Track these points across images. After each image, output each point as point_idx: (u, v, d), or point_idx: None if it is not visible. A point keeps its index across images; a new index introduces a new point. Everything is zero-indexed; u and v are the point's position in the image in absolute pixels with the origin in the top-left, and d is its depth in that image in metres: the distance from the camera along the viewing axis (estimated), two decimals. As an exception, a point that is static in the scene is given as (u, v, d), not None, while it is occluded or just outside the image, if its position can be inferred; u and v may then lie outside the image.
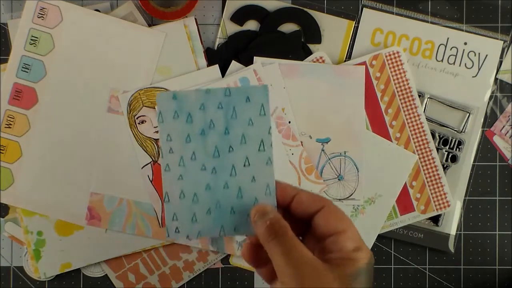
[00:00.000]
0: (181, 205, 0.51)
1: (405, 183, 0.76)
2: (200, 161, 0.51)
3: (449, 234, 0.77)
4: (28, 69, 0.75)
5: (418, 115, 0.76)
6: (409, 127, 0.76)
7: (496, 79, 0.77)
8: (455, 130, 0.77)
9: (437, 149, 0.76)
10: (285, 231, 0.48)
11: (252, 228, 0.50)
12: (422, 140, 0.76)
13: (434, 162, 0.76)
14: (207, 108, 0.52)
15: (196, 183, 0.51)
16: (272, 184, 0.51)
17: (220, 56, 0.76)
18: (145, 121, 0.75)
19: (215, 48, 0.77)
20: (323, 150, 0.76)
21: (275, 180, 0.51)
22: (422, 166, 0.76)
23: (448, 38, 0.77)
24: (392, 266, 0.77)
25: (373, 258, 0.49)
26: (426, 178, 0.76)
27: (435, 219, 0.77)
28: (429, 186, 0.76)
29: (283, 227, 0.48)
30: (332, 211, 0.49)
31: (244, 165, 0.51)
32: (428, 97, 0.76)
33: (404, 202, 0.76)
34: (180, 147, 0.51)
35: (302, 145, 0.75)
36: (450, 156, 0.77)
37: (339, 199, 0.75)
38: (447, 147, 0.77)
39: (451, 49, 0.77)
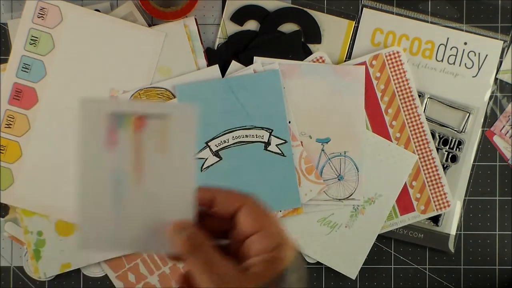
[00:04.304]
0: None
1: (405, 183, 0.76)
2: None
3: (449, 234, 0.77)
4: (28, 69, 0.75)
5: (418, 115, 0.76)
6: (409, 127, 0.76)
7: (496, 79, 0.77)
8: (455, 130, 0.77)
9: (437, 149, 0.76)
10: (202, 245, 0.45)
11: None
12: (422, 140, 0.76)
13: (434, 162, 0.76)
14: None
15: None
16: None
17: (220, 56, 0.76)
18: (145, 121, 0.75)
19: (215, 48, 0.77)
20: (323, 150, 0.76)
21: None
22: (422, 166, 0.76)
23: (448, 38, 0.77)
24: (392, 266, 0.77)
25: (298, 253, 0.46)
26: (426, 178, 0.76)
27: (435, 219, 0.77)
28: (429, 186, 0.76)
29: (200, 242, 0.45)
30: (252, 209, 0.46)
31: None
32: (428, 97, 0.76)
33: (404, 202, 0.76)
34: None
35: (302, 145, 0.75)
36: (450, 156, 0.77)
37: (339, 199, 0.75)
38: (447, 147, 0.77)
39: (451, 49, 0.77)
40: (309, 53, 0.77)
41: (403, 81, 0.76)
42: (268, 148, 0.74)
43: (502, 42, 0.77)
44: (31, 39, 0.74)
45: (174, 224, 0.46)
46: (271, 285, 0.44)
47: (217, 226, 0.48)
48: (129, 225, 0.47)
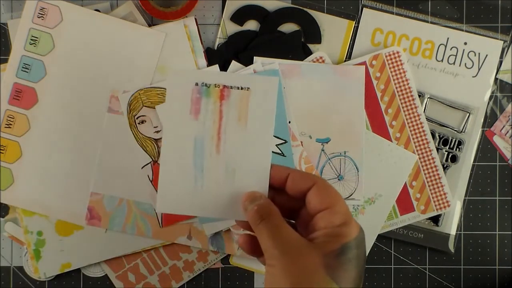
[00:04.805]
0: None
1: (405, 183, 0.76)
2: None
3: (449, 234, 0.77)
4: (28, 69, 0.75)
5: (418, 115, 0.76)
6: (409, 127, 0.76)
7: (496, 79, 0.77)
8: (455, 130, 0.77)
9: (437, 149, 0.76)
10: (272, 214, 0.49)
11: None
12: (422, 140, 0.76)
13: (434, 162, 0.76)
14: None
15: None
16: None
17: (220, 56, 0.76)
18: (145, 121, 0.75)
19: (215, 48, 0.77)
20: (323, 150, 0.76)
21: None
22: (422, 166, 0.76)
23: (448, 38, 0.77)
24: (392, 266, 0.77)
25: (362, 232, 0.49)
26: (426, 178, 0.76)
27: (435, 219, 0.77)
28: (429, 186, 0.76)
29: (270, 211, 0.49)
30: (322, 188, 0.50)
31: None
32: (428, 97, 0.77)
33: (404, 202, 0.76)
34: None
35: (302, 145, 0.75)
36: (450, 156, 0.77)
37: (339, 199, 0.76)
38: (447, 147, 0.77)
39: (451, 49, 0.77)
40: (309, 53, 0.77)
41: (403, 81, 0.76)
42: None
43: (502, 42, 0.77)
44: (31, 39, 0.75)
45: (248, 194, 0.50)
46: (331, 257, 0.47)
47: (286, 204, 0.51)
48: (206, 192, 0.51)
